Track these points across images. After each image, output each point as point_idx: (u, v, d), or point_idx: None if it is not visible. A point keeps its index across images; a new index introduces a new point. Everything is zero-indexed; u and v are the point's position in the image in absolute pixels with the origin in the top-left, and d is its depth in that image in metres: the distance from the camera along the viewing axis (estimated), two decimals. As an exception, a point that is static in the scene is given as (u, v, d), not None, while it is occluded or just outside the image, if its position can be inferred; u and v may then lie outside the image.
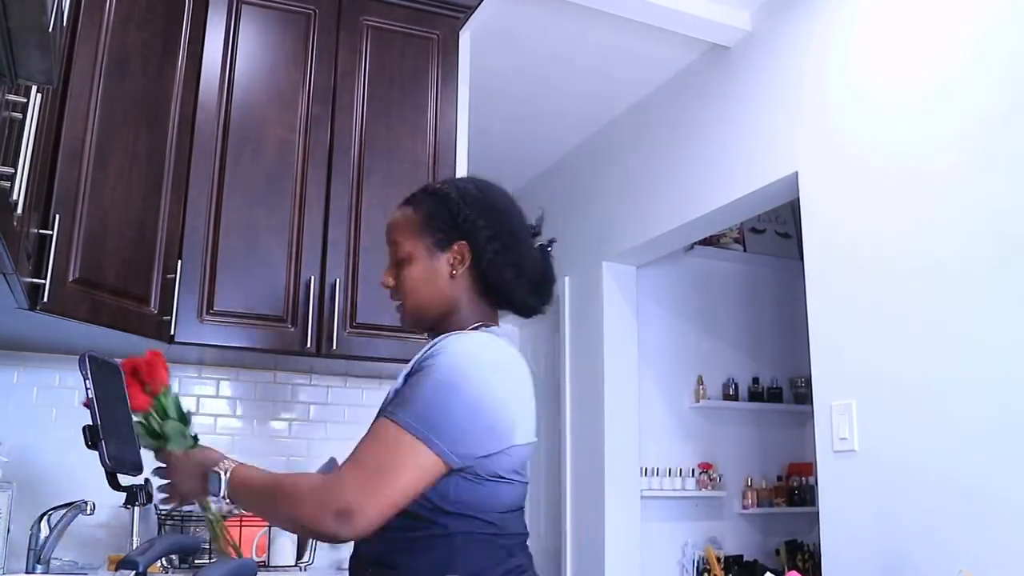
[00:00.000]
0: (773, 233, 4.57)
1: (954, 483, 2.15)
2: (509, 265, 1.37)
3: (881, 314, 2.42)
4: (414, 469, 1.16)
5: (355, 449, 1.19)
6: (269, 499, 1.23)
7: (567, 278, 4.14)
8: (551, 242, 1.46)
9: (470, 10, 2.75)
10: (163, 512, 2.24)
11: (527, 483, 1.33)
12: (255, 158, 2.38)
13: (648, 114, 3.68)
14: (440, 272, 1.37)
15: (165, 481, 1.36)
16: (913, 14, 2.44)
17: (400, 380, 1.26)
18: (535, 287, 1.40)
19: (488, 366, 1.25)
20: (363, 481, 1.15)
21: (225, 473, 1.25)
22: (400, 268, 1.40)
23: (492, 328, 1.37)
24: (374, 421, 1.23)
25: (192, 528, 2.23)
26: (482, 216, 1.37)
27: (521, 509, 1.33)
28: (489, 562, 1.23)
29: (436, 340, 1.27)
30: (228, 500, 1.26)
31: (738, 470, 4.22)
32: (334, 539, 1.16)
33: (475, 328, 1.35)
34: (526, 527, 1.34)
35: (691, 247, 4.14)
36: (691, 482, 4.04)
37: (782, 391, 4.39)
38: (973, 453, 2.11)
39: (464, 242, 1.37)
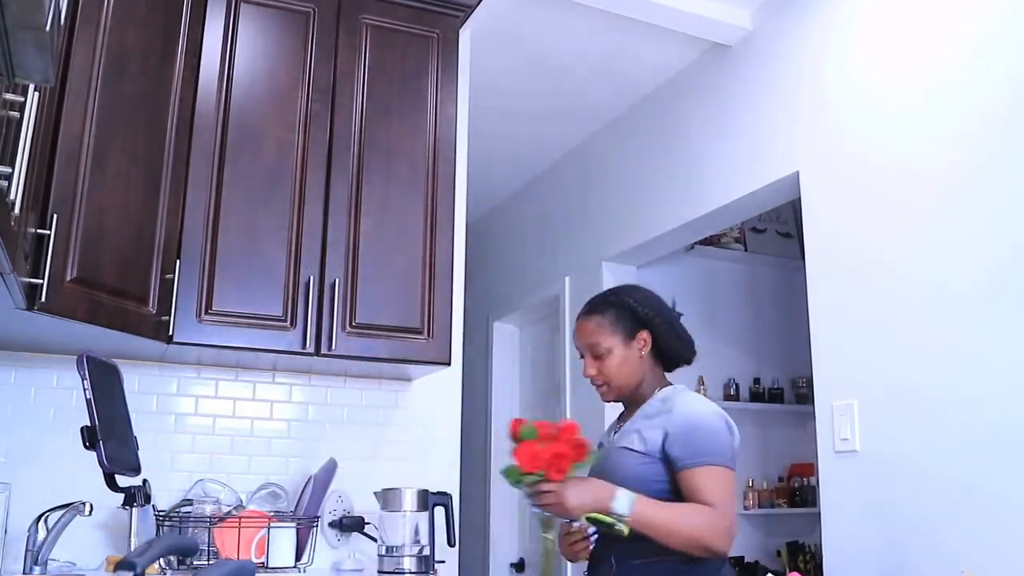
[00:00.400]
0: (774, 233, 4.56)
1: (955, 483, 2.14)
2: (676, 337, 1.95)
3: (882, 314, 2.41)
4: (735, 488, 1.82)
5: (707, 491, 1.73)
6: (673, 524, 1.69)
7: (567, 278, 4.14)
8: (680, 315, 2.01)
9: (470, 9, 2.74)
10: (162, 513, 2.24)
11: None
12: (254, 157, 2.37)
13: (648, 113, 3.68)
14: (632, 356, 1.91)
15: (550, 494, 1.68)
16: (913, 12, 2.44)
17: (656, 440, 1.80)
18: (687, 347, 1.98)
19: (709, 403, 1.89)
20: (730, 512, 1.75)
21: (630, 500, 1.68)
22: (601, 360, 1.92)
23: (679, 386, 1.94)
24: (699, 469, 1.76)
25: (190, 529, 2.23)
26: (652, 309, 1.94)
27: None
28: None
29: (666, 399, 1.87)
30: (628, 519, 1.67)
31: (739, 470, 4.19)
32: (724, 554, 1.74)
33: (665, 386, 1.94)
34: None
35: (691, 247, 4.13)
36: (692, 482, 4.03)
37: (783, 391, 4.38)
38: (974, 453, 2.10)
39: (646, 331, 1.92)
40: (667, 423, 1.80)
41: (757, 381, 4.33)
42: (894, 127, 2.45)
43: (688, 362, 2.00)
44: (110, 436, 1.81)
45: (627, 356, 1.90)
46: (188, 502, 2.33)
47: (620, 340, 1.90)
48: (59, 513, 2.06)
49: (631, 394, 1.94)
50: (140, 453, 1.98)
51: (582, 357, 1.97)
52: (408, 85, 2.61)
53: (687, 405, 1.83)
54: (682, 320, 2.01)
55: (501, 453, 4.82)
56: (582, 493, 1.68)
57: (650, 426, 1.82)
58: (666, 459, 1.78)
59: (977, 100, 2.22)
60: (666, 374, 1.99)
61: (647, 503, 1.69)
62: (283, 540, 2.27)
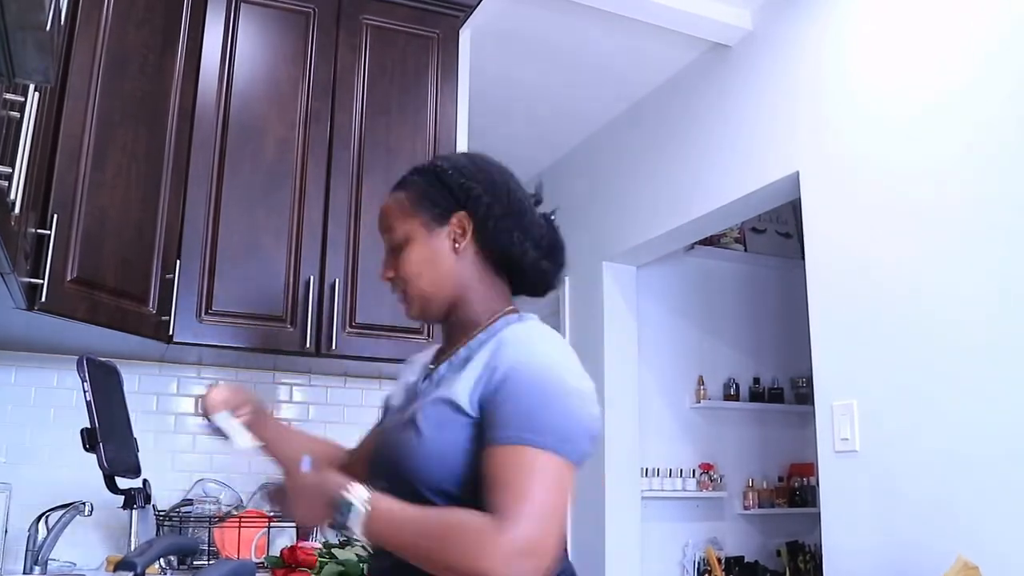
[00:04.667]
0: (774, 233, 4.56)
1: (955, 484, 2.14)
2: (515, 229, 1.27)
3: (882, 314, 2.41)
4: (568, 486, 1.10)
5: (509, 492, 1.06)
6: (425, 541, 1.07)
7: (567, 278, 4.11)
8: (553, 211, 1.37)
9: (470, 9, 2.74)
10: (162, 513, 2.23)
11: None
12: (254, 157, 2.37)
13: (649, 113, 3.67)
14: (442, 250, 1.27)
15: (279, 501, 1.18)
16: (914, 13, 2.44)
17: (474, 386, 1.15)
18: (546, 252, 1.31)
19: (569, 363, 1.18)
20: (532, 527, 1.04)
21: (363, 504, 1.08)
22: (398, 254, 1.29)
23: (528, 316, 1.29)
24: (506, 447, 1.09)
25: (191, 528, 2.23)
26: (478, 183, 1.27)
27: None
28: None
29: (493, 335, 1.22)
30: (361, 533, 1.08)
31: (739, 471, 4.22)
32: None
33: (506, 314, 1.28)
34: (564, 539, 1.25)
35: (691, 247, 4.13)
36: (692, 483, 4.03)
37: (783, 391, 4.38)
38: (974, 453, 2.10)
39: (463, 212, 1.26)
40: (489, 370, 1.15)
41: (757, 381, 4.33)
42: (895, 127, 2.45)
43: (543, 277, 1.33)
44: (110, 438, 1.81)
45: (431, 250, 1.27)
46: (188, 502, 2.33)
47: (422, 225, 1.27)
48: (59, 513, 2.06)
49: (443, 311, 1.30)
50: (140, 453, 1.99)
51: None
52: (408, 85, 2.61)
53: (525, 346, 1.17)
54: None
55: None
56: (311, 501, 1.13)
57: (467, 371, 1.18)
58: (481, 423, 1.13)
59: (976, 101, 2.22)
60: (514, 299, 1.34)
61: (385, 513, 1.08)
62: (284, 539, 2.27)
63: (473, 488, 1.10)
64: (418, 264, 1.27)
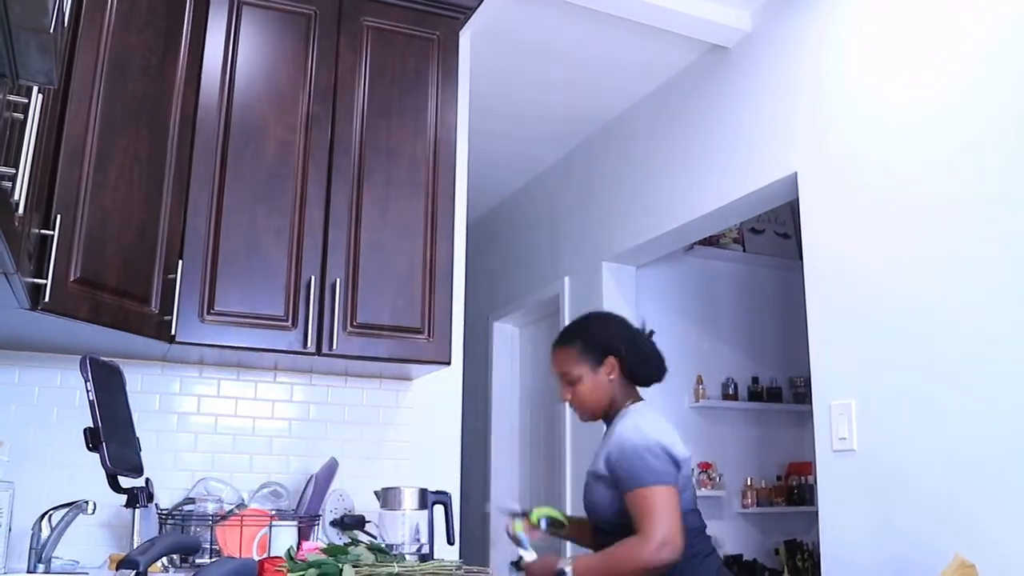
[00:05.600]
0: (772, 233, 4.57)
1: (953, 483, 2.15)
2: (641, 358, 2.07)
3: (880, 313, 2.42)
4: (674, 502, 1.83)
5: (640, 517, 1.82)
6: (613, 568, 1.84)
7: (567, 278, 4.15)
8: (651, 332, 2.14)
9: (470, 11, 2.75)
10: (164, 512, 2.25)
11: (694, 489, 2.04)
12: (256, 158, 2.38)
13: (648, 114, 3.69)
14: (602, 381, 2.05)
15: None
16: (913, 12, 2.45)
17: (603, 462, 1.94)
18: (656, 365, 2.09)
19: (648, 429, 1.93)
20: (658, 528, 1.79)
21: (569, 566, 1.86)
22: (573, 386, 2.07)
23: (637, 403, 2.06)
24: (629, 493, 1.87)
25: (193, 527, 2.24)
26: (614, 336, 2.07)
27: (695, 511, 1.99)
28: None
29: (613, 427, 2.00)
30: None
31: (738, 470, 4.23)
32: (666, 566, 1.78)
33: (627, 407, 2.03)
34: (703, 523, 2.02)
35: (691, 247, 4.14)
36: (691, 482, 4.04)
37: (781, 391, 4.39)
38: (973, 453, 2.11)
39: (613, 357, 2.04)
40: (609, 446, 1.94)
41: (755, 380, 4.34)
42: (894, 128, 2.46)
43: (657, 380, 2.10)
44: (113, 438, 1.82)
45: (596, 382, 2.04)
46: (190, 501, 2.34)
47: (589, 368, 2.04)
48: (62, 512, 2.07)
49: (604, 415, 2.08)
50: (143, 452, 2.00)
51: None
52: (408, 86, 2.62)
53: (620, 430, 1.94)
54: (655, 337, 2.12)
55: (501, 453, 4.85)
56: (539, 569, 1.94)
57: (603, 449, 1.97)
58: (612, 479, 1.91)
59: (976, 101, 2.23)
60: (641, 389, 2.11)
61: (584, 564, 1.87)
62: (285, 538, 2.28)
63: (622, 516, 1.87)
64: (590, 393, 2.06)
